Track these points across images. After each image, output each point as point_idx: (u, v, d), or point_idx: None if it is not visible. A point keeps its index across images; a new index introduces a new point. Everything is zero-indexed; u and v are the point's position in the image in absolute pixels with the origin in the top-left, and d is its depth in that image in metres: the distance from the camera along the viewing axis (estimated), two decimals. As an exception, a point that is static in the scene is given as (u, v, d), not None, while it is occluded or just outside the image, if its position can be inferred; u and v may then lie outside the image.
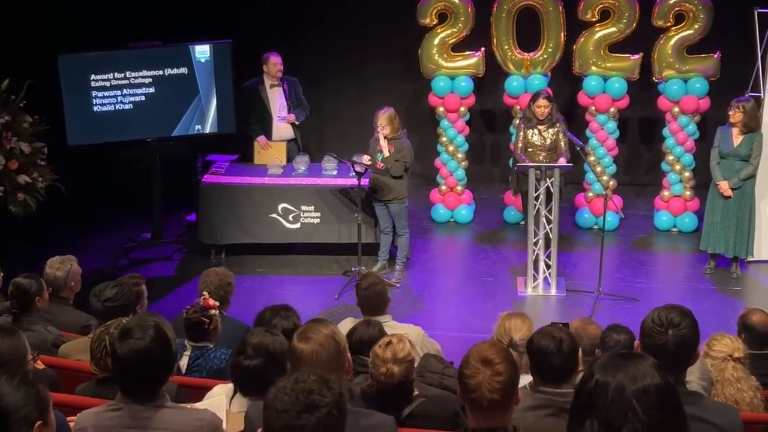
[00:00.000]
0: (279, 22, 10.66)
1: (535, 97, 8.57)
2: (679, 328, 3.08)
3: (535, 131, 8.53)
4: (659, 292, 8.20)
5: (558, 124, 8.50)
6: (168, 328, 3.25)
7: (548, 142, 8.51)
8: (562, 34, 9.41)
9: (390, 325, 5.38)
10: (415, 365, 4.23)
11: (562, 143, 8.46)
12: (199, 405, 3.65)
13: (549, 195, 8.08)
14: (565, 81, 10.06)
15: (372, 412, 3.27)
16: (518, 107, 9.62)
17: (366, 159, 8.26)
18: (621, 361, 2.19)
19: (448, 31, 9.53)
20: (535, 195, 8.07)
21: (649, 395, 2.11)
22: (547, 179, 8.03)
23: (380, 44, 10.82)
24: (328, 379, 2.37)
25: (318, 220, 8.83)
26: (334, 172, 8.98)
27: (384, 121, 8.20)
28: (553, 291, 8.20)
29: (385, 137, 8.23)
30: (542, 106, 8.42)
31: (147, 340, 3.14)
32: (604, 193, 8.46)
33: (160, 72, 8.72)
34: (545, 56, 9.49)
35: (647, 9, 9.17)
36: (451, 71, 9.66)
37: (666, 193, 9.72)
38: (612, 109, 9.51)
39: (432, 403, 4.04)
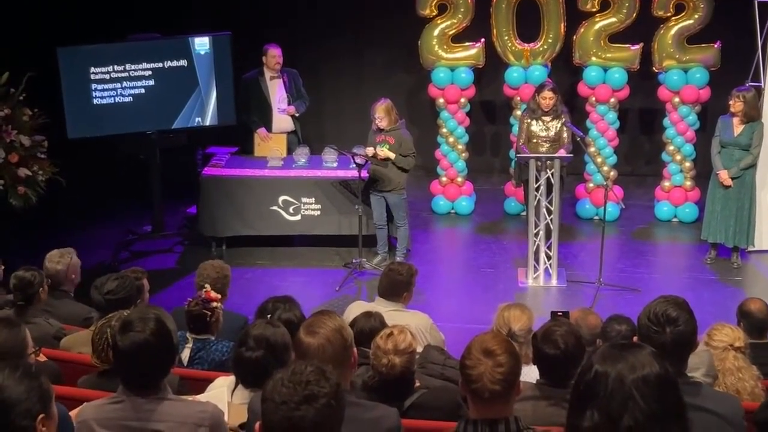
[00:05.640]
0: (278, 14, 10.65)
1: (540, 89, 8.55)
2: (677, 324, 3.07)
3: (539, 122, 8.52)
4: (660, 283, 8.21)
5: (562, 116, 8.49)
6: (169, 321, 3.26)
7: (552, 133, 8.49)
8: (562, 24, 9.39)
9: (399, 311, 5.39)
10: (417, 356, 4.24)
11: (565, 136, 8.45)
12: (200, 397, 3.66)
13: (549, 186, 8.09)
14: (565, 72, 10.04)
15: (375, 404, 3.28)
16: (518, 98, 9.61)
17: (369, 151, 8.26)
18: (620, 351, 2.19)
19: (448, 22, 9.51)
20: (535, 186, 8.07)
21: (648, 384, 2.11)
22: (548, 170, 8.03)
23: (380, 36, 10.80)
24: (325, 369, 2.37)
25: (318, 212, 8.83)
26: (335, 164, 8.97)
27: (381, 113, 8.22)
28: (554, 282, 8.20)
29: (382, 129, 8.25)
30: (547, 98, 8.41)
31: (148, 333, 3.14)
32: (605, 183, 8.46)
33: (160, 64, 8.71)
34: (545, 47, 9.47)
35: (647, -1, 9.17)
36: (451, 62, 9.64)
37: (666, 183, 9.71)
38: (612, 100, 9.50)
39: (433, 394, 4.05)
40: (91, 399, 3.41)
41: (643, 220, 9.76)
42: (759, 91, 8.57)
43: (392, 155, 8.23)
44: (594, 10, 9.30)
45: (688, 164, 9.57)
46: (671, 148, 9.58)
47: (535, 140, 8.53)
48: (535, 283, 8.19)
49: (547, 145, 8.48)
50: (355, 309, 5.28)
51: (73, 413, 3.37)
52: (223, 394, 3.73)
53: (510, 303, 4.90)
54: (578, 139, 8.29)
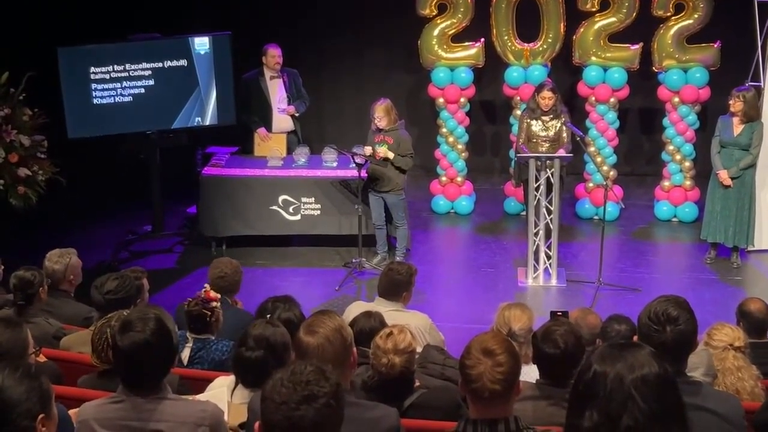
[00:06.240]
0: (278, 14, 10.64)
1: (539, 88, 8.56)
2: (677, 323, 3.08)
3: (539, 122, 8.53)
4: (660, 282, 8.21)
5: (562, 116, 8.50)
6: (169, 321, 3.26)
7: (551, 133, 8.50)
8: (562, 24, 9.39)
9: (399, 311, 5.39)
10: (417, 356, 4.24)
11: (565, 135, 8.45)
12: (200, 397, 3.66)
13: (549, 185, 8.09)
14: (565, 71, 10.04)
15: (375, 404, 3.28)
16: (518, 98, 9.62)
17: (368, 150, 8.26)
18: (619, 351, 2.19)
19: (448, 22, 9.51)
20: (535, 186, 8.07)
21: (647, 384, 2.11)
22: (548, 170, 8.04)
23: (380, 35, 10.80)
24: (324, 369, 2.38)
25: (318, 212, 8.83)
26: (335, 164, 8.98)
27: (381, 113, 8.21)
28: (554, 281, 8.21)
29: (381, 129, 8.25)
30: (546, 98, 8.42)
31: (148, 333, 3.14)
32: (605, 183, 8.46)
33: (160, 64, 8.71)
34: (545, 47, 9.47)
35: (647, -1, 9.17)
36: (450, 62, 9.64)
37: (666, 183, 9.72)
38: (612, 100, 9.50)
39: (433, 394, 4.05)
40: (91, 399, 3.41)
41: (642, 220, 9.76)
42: (759, 91, 8.57)
43: (391, 155, 8.23)
44: (594, 9, 9.30)
45: (687, 164, 9.57)
46: (671, 147, 9.59)
47: (534, 140, 8.53)
48: (535, 283, 8.19)
49: (547, 145, 8.49)
50: (355, 309, 5.28)
51: (72, 412, 3.37)
52: (223, 393, 3.74)
53: (510, 303, 4.90)
54: (578, 138, 8.29)
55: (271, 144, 9.26)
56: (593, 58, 9.40)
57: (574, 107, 9.77)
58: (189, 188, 9.30)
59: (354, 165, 8.31)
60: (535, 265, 8.20)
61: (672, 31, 9.19)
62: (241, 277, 5.75)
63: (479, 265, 8.76)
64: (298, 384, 2.31)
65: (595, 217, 9.74)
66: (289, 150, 9.26)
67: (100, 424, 3.18)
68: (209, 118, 9.00)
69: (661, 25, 9.23)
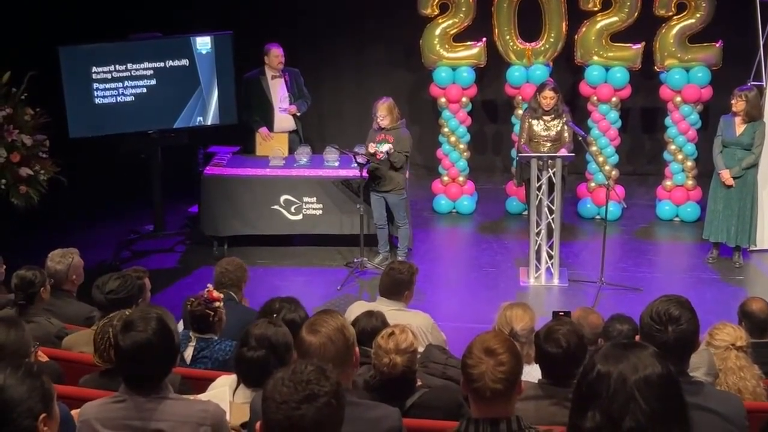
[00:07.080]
0: (280, 13, 10.64)
1: (541, 88, 8.56)
2: (679, 323, 3.07)
3: (540, 122, 8.52)
4: (662, 282, 8.20)
5: (563, 115, 8.49)
6: (170, 321, 3.26)
7: (553, 133, 8.49)
8: (564, 23, 9.39)
9: (401, 310, 5.39)
10: (418, 356, 4.24)
11: (566, 135, 8.45)
12: (202, 396, 3.66)
13: (551, 185, 8.08)
14: (566, 71, 10.04)
15: (377, 404, 3.28)
16: (520, 97, 9.61)
17: (371, 147, 8.24)
18: (622, 351, 2.19)
19: (450, 22, 9.51)
20: (537, 185, 8.07)
21: (650, 385, 2.11)
22: (549, 169, 8.03)
23: (382, 35, 10.80)
24: (325, 368, 2.38)
25: (320, 212, 8.83)
26: (336, 163, 8.98)
27: (383, 111, 8.22)
28: (556, 281, 8.20)
29: (383, 127, 8.24)
30: (548, 98, 8.41)
31: (149, 333, 3.14)
32: (606, 183, 8.46)
33: (162, 64, 8.71)
34: (547, 46, 9.47)
35: (649, -2, 9.17)
36: (452, 62, 9.64)
37: (668, 182, 9.71)
38: (614, 99, 9.50)
39: (435, 394, 4.05)
40: (93, 398, 3.41)
41: (644, 220, 9.75)
42: (761, 91, 8.56)
43: (391, 150, 8.20)
44: (595, 9, 9.30)
45: (689, 163, 9.57)
46: (673, 147, 9.58)
47: (536, 140, 8.53)
48: (537, 283, 8.19)
49: (549, 145, 8.48)
50: (357, 309, 5.28)
51: (74, 412, 3.37)
52: (225, 393, 3.74)
53: (512, 302, 4.90)
54: (580, 138, 8.29)
55: (272, 143, 9.26)
56: (595, 58, 9.40)
57: (575, 107, 9.77)
58: (190, 188, 9.31)
59: (356, 164, 8.31)
60: (536, 265, 8.20)
61: (674, 31, 9.18)
62: (244, 274, 5.80)
63: (481, 264, 8.76)
64: (299, 383, 2.31)
65: (597, 217, 9.74)
66: (291, 149, 9.26)
67: (102, 423, 3.18)
68: (211, 117, 9.00)
69: (663, 25, 9.23)
